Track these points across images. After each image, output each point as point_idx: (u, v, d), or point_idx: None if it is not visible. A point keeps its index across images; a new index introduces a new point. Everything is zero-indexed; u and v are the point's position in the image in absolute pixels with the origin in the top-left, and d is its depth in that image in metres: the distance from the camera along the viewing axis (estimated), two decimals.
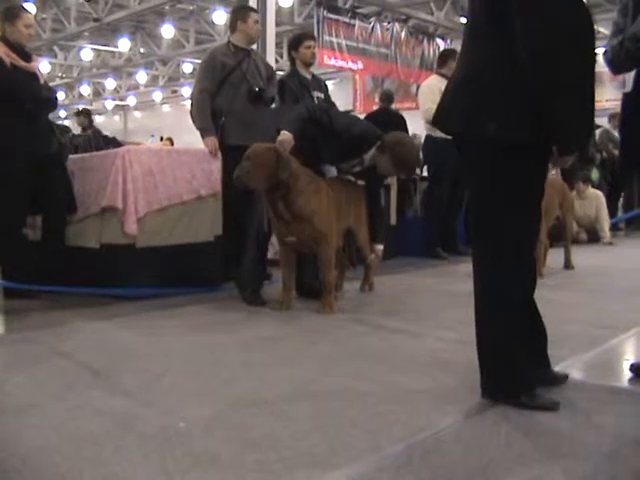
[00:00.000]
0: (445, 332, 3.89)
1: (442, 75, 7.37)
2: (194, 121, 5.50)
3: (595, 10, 14.48)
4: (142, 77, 25.32)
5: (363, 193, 5.21)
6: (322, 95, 5.93)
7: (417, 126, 8.21)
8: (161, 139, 15.64)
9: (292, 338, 3.86)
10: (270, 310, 4.56)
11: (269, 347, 3.63)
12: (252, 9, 6.09)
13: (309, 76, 5.81)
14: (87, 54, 21.36)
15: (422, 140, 7.98)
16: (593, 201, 9.31)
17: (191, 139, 5.92)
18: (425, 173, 8.05)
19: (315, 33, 12.26)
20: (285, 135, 4.54)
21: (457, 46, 16.75)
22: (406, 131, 8.34)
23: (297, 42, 5.82)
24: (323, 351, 3.53)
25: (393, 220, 7.42)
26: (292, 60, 5.87)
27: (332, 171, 6.06)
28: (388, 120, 8.20)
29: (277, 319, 4.34)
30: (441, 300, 4.97)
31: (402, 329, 3.99)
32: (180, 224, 5.19)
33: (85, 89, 28.00)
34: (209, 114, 5.39)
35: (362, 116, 9.42)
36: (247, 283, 4.88)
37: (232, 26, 5.68)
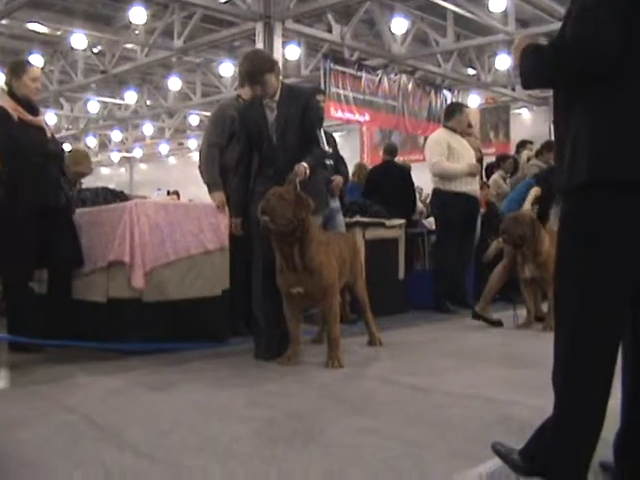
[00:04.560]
0: (455, 387, 3.86)
1: (449, 128, 7.50)
2: (202, 175, 5.58)
3: None
4: (148, 129, 25.55)
5: (357, 246, 5.47)
6: (330, 149, 6.04)
7: (425, 179, 8.30)
8: (168, 193, 15.79)
9: (300, 393, 3.84)
10: (278, 365, 4.57)
11: (276, 402, 3.63)
12: None
13: None
14: (94, 106, 21.70)
15: (430, 193, 8.07)
16: None
17: (197, 192, 5.99)
18: (433, 227, 8.11)
19: (322, 85, 12.48)
20: (301, 165, 4.45)
21: (464, 98, 17.00)
22: (410, 183, 8.45)
23: None
24: (331, 406, 3.53)
25: (401, 274, 7.45)
26: None
27: (342, 224, 6.18)
28: (392, 172, 8.38)
29: (284, 374, 4.33)
30: (450, 355, 4.95)
31: (411, 384, 3.99)
32: (187, 278, 5.22)
33: (91, 141, 28.30)
34: (217, 169, 5.48)
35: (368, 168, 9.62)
36: (260, 338, 4.85)
37: (241, 80, 5.66)
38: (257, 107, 4.77)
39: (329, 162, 6.17)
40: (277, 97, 4.72)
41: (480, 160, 8.48)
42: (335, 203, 6.38)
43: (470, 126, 8.21)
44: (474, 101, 18.24)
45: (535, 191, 6.72)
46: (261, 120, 4.73)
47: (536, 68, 2.31)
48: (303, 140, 4.68)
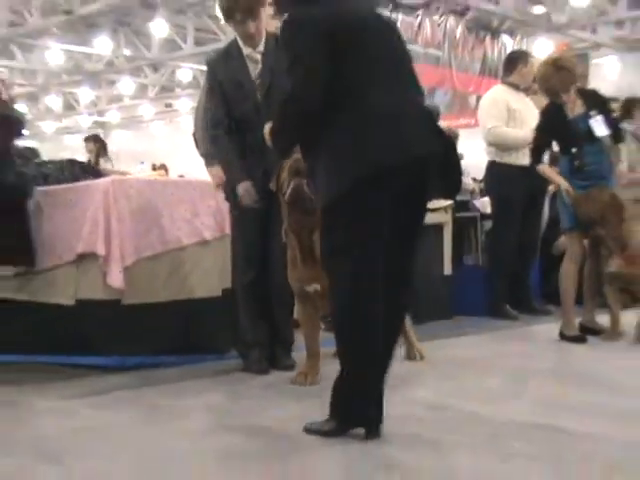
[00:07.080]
0: (516, 415, 3.34)
1: (509, 85, 6.60)
2: (197, 145, 4.88)
3: None
4: (127, 86, 22.92)
5: None
6: None
7: (477, 147, 7.25)
8: (154, 168, 14.61)
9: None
10: (292, 385, 3.97)
11: (293, 438, 3.01)
12: None
13: None
14: (55, 56, 19.00)
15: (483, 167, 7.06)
16: None
17: (190, 167, 5.32)
18: (488, 209, 7.14)
19: None
20: None
21: (528, 45, 15.20)
22: (455, 156, 7.39)
23: None
24: (359, 442, 2.96)
25: (447, 269, 6.54)
26: None
27: None
28: None
29: (302, 398, 3.69)
30: (510, 374, 4.31)
31: (459, 409, 3.48)
32: (178, 275, 4.69)
33: (53, 100, 25.57)
34: None
35: None
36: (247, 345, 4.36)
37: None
38: (236, 58, 4.30)
39: None
40: (261, 47, 4.27)
41: None
42: None
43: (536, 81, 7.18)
44: (542, 48, 15.28)
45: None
46: (242, 74, 4.25)
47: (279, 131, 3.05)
48: None
